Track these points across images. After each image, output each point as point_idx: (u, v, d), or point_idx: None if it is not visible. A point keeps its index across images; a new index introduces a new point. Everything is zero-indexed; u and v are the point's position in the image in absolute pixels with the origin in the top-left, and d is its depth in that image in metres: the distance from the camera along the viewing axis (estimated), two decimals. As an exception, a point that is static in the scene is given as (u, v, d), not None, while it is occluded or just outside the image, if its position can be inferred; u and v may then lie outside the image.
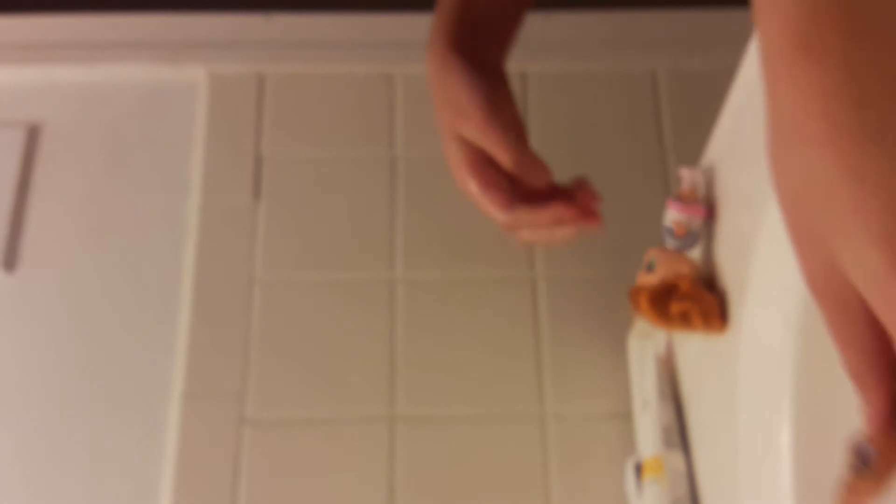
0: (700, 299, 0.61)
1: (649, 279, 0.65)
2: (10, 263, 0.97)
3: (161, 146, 1.04)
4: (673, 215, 0.64)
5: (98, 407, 0.91)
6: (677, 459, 0.72)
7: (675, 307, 0.62)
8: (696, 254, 0.66)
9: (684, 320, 0.62)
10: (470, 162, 0.60)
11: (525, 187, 0.60)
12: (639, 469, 0.77)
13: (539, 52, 1.06)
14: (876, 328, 0.28)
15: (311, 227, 0.99)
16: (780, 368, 0.49)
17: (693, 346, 0.70)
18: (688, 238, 0.64)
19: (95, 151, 1.03)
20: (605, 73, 1.07)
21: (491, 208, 0.60)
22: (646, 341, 0.83)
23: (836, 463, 0.49)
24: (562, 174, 0.64)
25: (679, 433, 0.73)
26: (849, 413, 0.49)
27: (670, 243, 0.65)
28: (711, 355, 0.65)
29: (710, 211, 0.63)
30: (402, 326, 0.94)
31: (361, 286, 0.96)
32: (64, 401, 0.91)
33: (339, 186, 1.01)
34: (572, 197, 0.60)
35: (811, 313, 0.48)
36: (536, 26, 1.05)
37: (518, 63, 1.11)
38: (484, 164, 0.60)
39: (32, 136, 1.03)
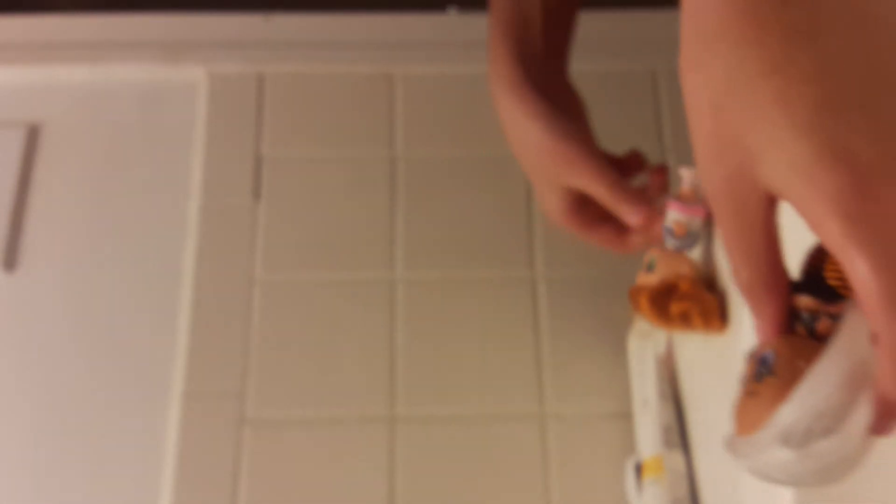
0: (700, 299, 0.61)
1: (649, 279, 0.65)
2: (10, 263, 0.97)
3: (161, 146, 1.04)
4: (673, 215, 0.64)
5: (98, 407, 0.91)
6: (677, 459, 0.72)
7: (675, 307, 0.62)
8: (696, 254, 0.66)
9: (684, 320, 0.62)
10: (573, 211, 0.61)
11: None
12: (639, 469, 0.77)
13: (539, 52, 1.06)
14: (771, 241, 0.29)
15: (311, 227, 0.99)
16: (781, 368, 0.49)
17: (693, 346, 0.70)
18: (688, 238, 0.64)
19: (95, 151, 1.03)
20: (605, 73, 1.07)
21: (607, 247, 0.61)
22: (646, 341, 0.83)
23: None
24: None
25: (679, 433, 0.73)
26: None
27: (670, 243, 0.65)
28: (711, 355, 0.65)
29: (710, 211, 0.63)
30: (402, 326, 0.94)
31: (361, 286, 0.96)
32: (64, 401, 0.91)
33: (339, 186, 1.01)
34: (630, 170, 0.62)
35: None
36: (536, 26, 1.05)
37: (518, 63, 1.11)
38: (584, 208, 0.60)
39: (32, 136, 1.03)
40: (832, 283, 0.29)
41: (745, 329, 0.55)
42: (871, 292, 0.24)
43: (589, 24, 1.12)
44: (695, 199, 0.63)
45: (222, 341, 0.93)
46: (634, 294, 0.66)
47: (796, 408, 0.26)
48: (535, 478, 0.87)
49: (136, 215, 1.00)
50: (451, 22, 1.08)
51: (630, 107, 1.05)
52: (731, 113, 0.27)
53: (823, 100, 0.25)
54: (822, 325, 0.28)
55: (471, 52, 1.07)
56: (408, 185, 1.00)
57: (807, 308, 0.29)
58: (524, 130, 0.59)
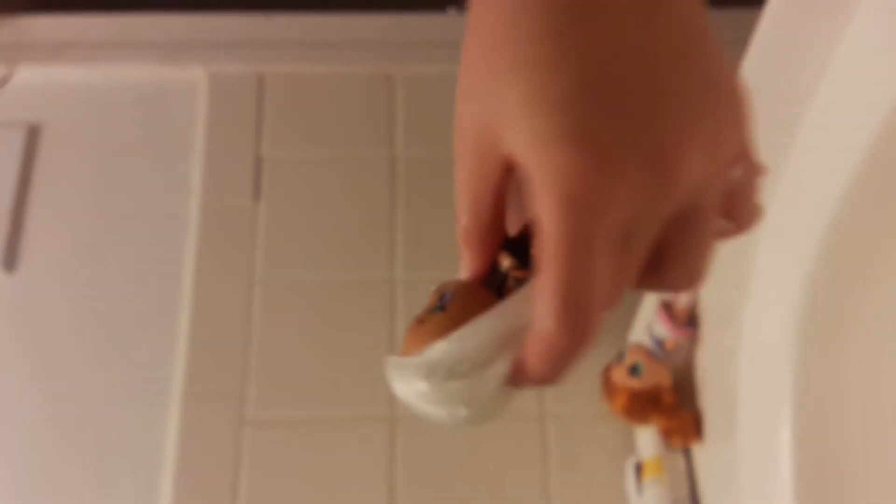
0: (680, 419, 0.69)
1: (631, 382, 0.71)
2: (10, 263, 0.97)
3: (161, 146, 1.04)
4: (666, 332, 0.66)
5: (98, 407, 0.91)
6: (677, 459, 0.72)
7: (660, 423, 0.70)
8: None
9: (665, 435, 0.70)
10: None
11: None
12: (639, 469, 0.77)
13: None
14: (498, 199, 0.28)
15: (311, 227, 0.99)
16: (780, 368, 0.49)
17: (693, 348, 0.70)
18: (676, 353, 0.68)
19: (95, 151, 1.03)
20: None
21: None
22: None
23: (836, 462, 0.49)
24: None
25: (679, 433, 0.73)
26: (849, 413, 0.49)
27: (657, 353, 0.69)
28: (711, 355, 0.65)
29: (696, 331, 0.66)
30: (402, 326, 0.94)
31: (361, 286, 0.96)
32: (64, 400, 0.91)
33: (339, 186, 1.01)
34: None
35: (811, 313, 0.48)
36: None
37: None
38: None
39: (32, 136, 1.03)
40: (533, 251, 0.29)
41: (746, 329, 0.55)
42: (549, 281, 0.25)
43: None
44: (687, 320, 0.66)
45: (222, 341, 0.93)
46: (611, 388, 0.73)
47: (446, 347, 0.28)
48: (535, 478, 0.87)
49: (136, 215, 1.00)
50: (451, 22, 1.08)
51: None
52: (490, 67, 0.26)
53: (577, 80, 0.25)
54: (509, 285, 0.29)
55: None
56: (408, 185, 1.00)
57: (504, 266, 0.30)
58: None
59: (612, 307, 0.28)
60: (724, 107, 0.27)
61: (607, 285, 0.26)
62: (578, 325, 0.26)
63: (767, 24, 0.49)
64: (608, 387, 0.74)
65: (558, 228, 0.25)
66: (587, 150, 0.25)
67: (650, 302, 0.77)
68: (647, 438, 0.77)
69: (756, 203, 0.29)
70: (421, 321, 0.30)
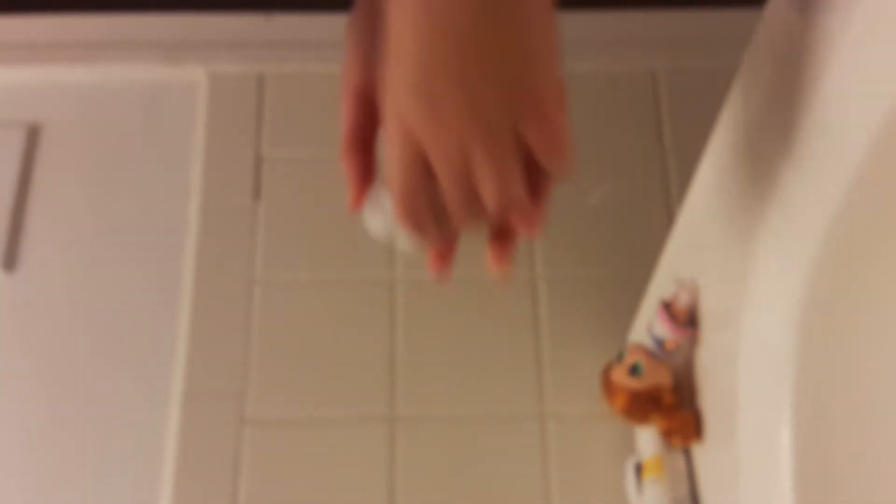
0: (681, 418, 0.69)
1: (631, 382, 0.71)
2: (10, 263, 0.97)
3: (161, 146, 1.04)
4: (666, 332, 0.66)
5: (98, 407, 0.91)
6: (677, 459, 0.72)
7: (660, 423, 0.70)
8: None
9: (666, 435, 0.70)
10: None
11: None
12: (639, 469, 0.77)
13: (539, 52, 1.06)
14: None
15: (311, 227, 0.99)
16: (780, 368, 0.49)
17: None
18: (676, 353, 0.68)
19: (95, 151, 1.03)
20: (605, 73, 1.07)
21: None
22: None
23: (836, 463, 0.49)
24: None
25: (679, 433, 0.73)
26: (849, 413, 0.49)
27: (657, 353, 0.69)
28: (711, 355, 0.65)
29: (696, 328, 0.66)
30: (402, 326, 0.94)
31: (361, 286, 0.96)
32: (64, 401, 0.91)
33: (339, 186, 1.01)
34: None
35: (811, 313, 0.48)
36: (536, 26, 1.05)
37: (518, 63, 1.10)
38: None
39: (32, 136, 1.03)
40: None
41: (746, 329, 0.55)
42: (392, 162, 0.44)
43: (589, 24, 1.12)
44: (687, 320, 0.66)
45: (222, 341, 0.93)
46: (611, 388, 0.73)
47: (379, 200, 0.52)
48: (535, 478, 0.87)
49: (136, 215, 1.00)
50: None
51: (630, 107, 1.05)
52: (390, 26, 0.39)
53: (427, 58, 0.39)
54: None
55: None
56: (408, 185, 1.00)
57: None
58: None
59: (499, 205, 0.46)
60: (530, 100, 0.40)
61: (460, 194, 0.45)
62: (410, 217, 0.46)
63: (767, 23, 0.49)
64: (608, 387, 0.74)
65: (389, 160, 0.45)
66: (399, 119, 0.42)
67: (650, 302, 0.77)
68: (647, 438, 0.77)
69: (560, 145, 0.42)
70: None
